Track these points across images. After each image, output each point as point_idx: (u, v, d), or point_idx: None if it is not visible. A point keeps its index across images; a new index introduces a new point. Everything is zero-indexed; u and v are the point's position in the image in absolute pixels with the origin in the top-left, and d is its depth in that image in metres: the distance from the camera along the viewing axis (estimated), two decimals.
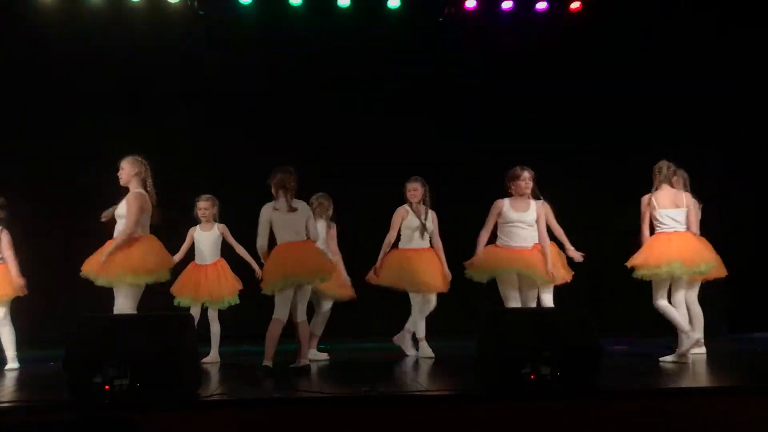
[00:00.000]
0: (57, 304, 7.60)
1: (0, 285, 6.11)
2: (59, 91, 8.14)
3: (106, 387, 4.21)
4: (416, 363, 6.27)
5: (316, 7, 8.57)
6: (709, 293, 8.32)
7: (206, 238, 6.62)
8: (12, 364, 6.14)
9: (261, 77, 8.56)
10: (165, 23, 8.39)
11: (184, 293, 6.47)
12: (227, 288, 6.58)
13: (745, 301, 8.44)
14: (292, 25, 8.59)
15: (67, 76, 8.17)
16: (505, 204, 6.22)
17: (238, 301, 6.67)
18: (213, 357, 6.50)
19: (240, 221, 7.27)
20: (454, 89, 8.72)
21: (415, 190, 6.68)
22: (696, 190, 6.68)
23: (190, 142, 8.35)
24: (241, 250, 6.61)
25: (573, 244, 6.55)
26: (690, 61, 8.56)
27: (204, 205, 6.65)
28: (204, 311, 6.60)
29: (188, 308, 6.48)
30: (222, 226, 6.71)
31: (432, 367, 6.03)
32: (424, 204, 6.73)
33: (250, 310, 7.97)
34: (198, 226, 6.70)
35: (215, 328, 6.59)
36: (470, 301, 8.33)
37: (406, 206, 6.72)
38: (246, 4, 8.41)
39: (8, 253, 6.18)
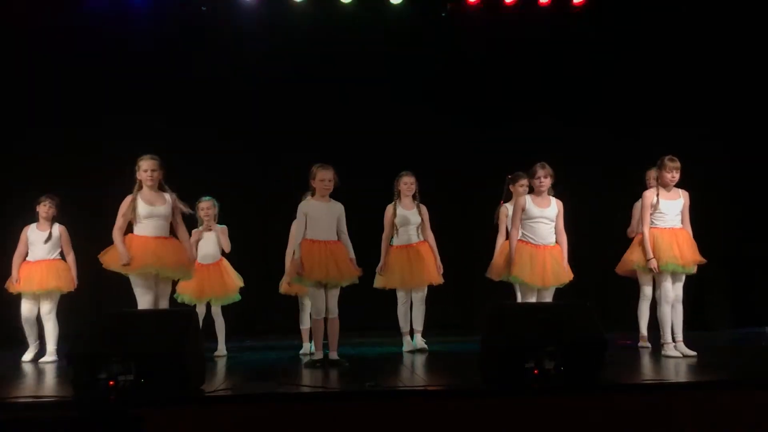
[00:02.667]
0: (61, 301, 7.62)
1: (54, 278, 6.52)
2: (57, 90, 8.12)
3: (111, 383, 4.22)
4: (420, 358, 6.27)
5: (318, 2, 8.56)
6: (715, 286, 8.36)
7: (208, 238, 6.70)
8: (50, 357, 6.44)
9: (262, 73, 8.54)
10: (167, 19, 8.38)
11: (186, 291, 6.56)
12: (231, 286, 6.72)
13: (751, 294, 8.42)
14: (293, 20, 8.58)
15: (67, 73, 8.14)
16: (528, 200, 6.12)
17: (239, 298, 6.80)
18: (221, 351, 6.62)
19: (239, 219, 7.32)
20: (457, 85, 8.70)
21: (412, 183, 6.72)
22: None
23: (189, 140, 8.32)
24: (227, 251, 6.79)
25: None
26: (691, 56, 8.55)
27: (207, 206, 6.73)
28: (208, 308, 6.74)
29: (194, 305, 6.57)
30: (223, 227, 6.81)
31: (436, 362, 6.04)
32: (414, 199, 6.77)
33: (253, 306, 8.03)
34: (200, 228, 6.75)
35: (219, 323, 6.70)
36: (471, 297, 8.37)
37: (394, 203, 6.76)
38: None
39: (68, 249, 6.67)
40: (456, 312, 8.36)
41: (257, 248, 8.13)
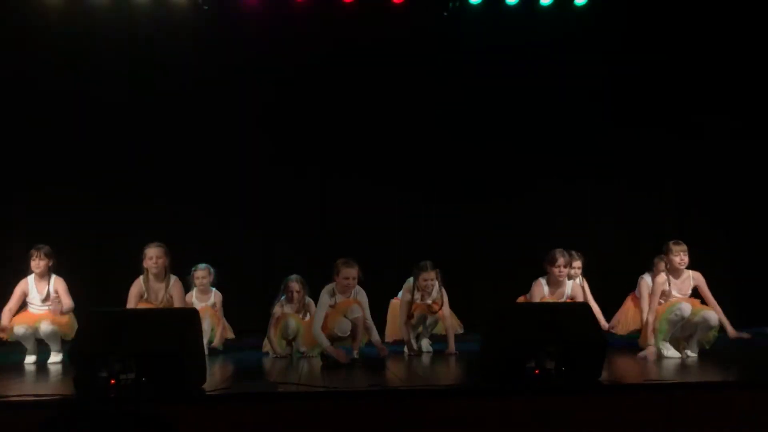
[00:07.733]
0: None
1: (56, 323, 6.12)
2: (58, 89, 8.11)
3: (112, 381, 4.22)
4: (421, 358, 6.27)
5: (319, 1, 8.54)
6: (718, 287, 8.32)
7: (203, 304, 6.51)
8: (56, 357, 6.18)
9: (262, 72, 8.52)
10: (168, 19, 8.36)
11: None
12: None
13: (754, 293, 8.40)
14: (295, 19, 8.55)
15: (68, 73, 8.14)
16: (543, 285, 6.19)
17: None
18: None
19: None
20: (459, 85, 8.67)
21: (432, 279, 6.28)
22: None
23: (189, 141, 8.31)
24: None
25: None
26: (697, 55, 8.53)
27: (202, 274, 6.61)
28: None
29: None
30: (218, 294, 6.73)
31: (437, 362, 6.03)
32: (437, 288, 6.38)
33: (252, 306, 8.02)
34: (193, 292, 6.60)
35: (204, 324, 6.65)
36: (471, 297, 8.36)
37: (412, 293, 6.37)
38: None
39: (67, 300, 6.19)
40: (456, 312, 8.34)
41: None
